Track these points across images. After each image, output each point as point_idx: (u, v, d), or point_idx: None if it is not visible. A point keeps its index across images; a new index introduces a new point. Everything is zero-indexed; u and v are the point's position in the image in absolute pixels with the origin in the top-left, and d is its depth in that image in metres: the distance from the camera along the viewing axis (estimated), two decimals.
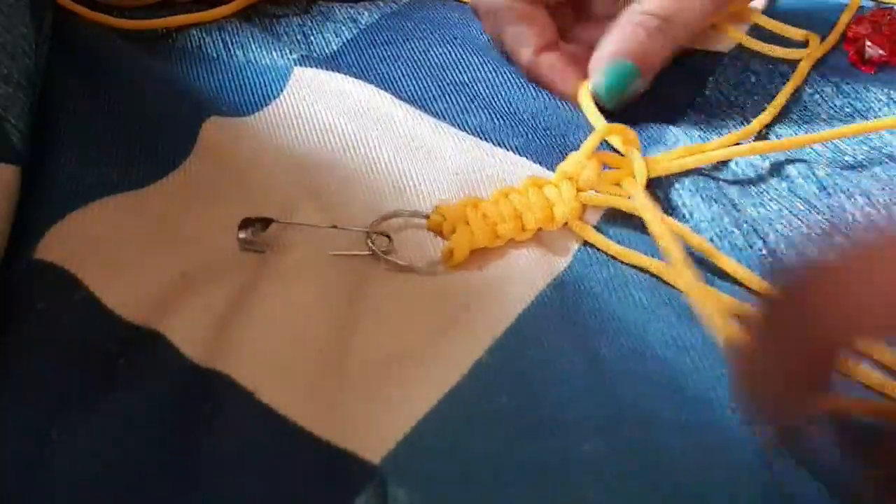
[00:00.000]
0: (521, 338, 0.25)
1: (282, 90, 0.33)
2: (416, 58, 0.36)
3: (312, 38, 0.37)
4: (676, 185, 0.31)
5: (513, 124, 0.33)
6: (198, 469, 0.21)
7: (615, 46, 0.32)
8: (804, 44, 0.39)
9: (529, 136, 0.33)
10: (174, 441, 0.22)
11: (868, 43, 0.38)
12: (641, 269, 0.27)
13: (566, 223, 0.28)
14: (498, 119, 0.33)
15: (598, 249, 0.28)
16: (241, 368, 0.23)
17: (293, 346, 0.24)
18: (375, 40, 0.37)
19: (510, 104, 0.34)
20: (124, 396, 0.23)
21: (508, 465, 0.22)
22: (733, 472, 0.22)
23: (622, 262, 0.28)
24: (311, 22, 0.38)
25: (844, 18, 0.40)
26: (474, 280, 0.27)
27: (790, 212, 0.30)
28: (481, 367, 0.24)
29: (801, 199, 0.31)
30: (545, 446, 0.22)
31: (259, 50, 0.36)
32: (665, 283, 0.27)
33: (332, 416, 0.22)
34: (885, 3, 0.42)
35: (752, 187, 0.31)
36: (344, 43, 0.37)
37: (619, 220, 0.29)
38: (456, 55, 0.37)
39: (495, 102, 0.34)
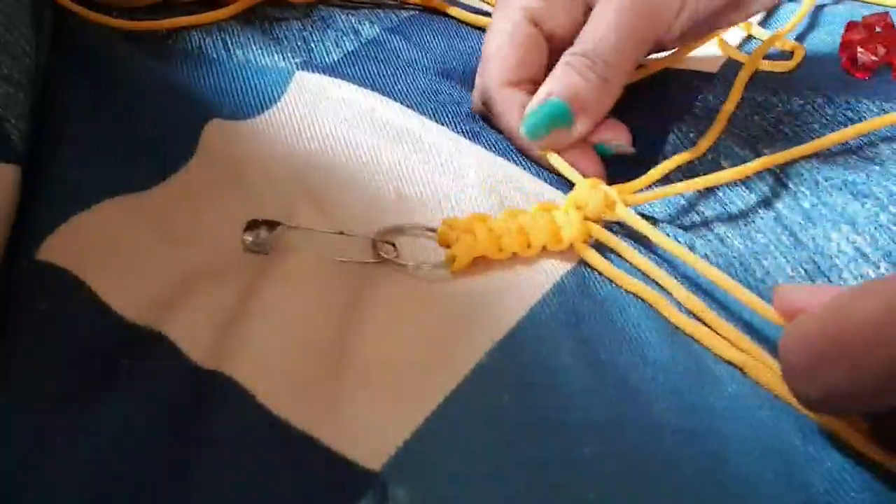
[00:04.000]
0: (521, 341, 0.25)
1: (283, 94, 0.33)
2: (419, 74, 0.36)
3: (313, 44, 0.37)
4: (661, 222, 0.31)
5: None
6: (199, 471, 0.21)
7: (546, 87, 0.32)
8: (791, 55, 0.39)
9: None
10: (175, 442, 0.22)
11: (860, 49, 0.38)
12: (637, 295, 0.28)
13: (571, 245, 0.28)
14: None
15: (599, 246, 0.28)
16: (243, 370, 0.23)
17: (295, 348, 0.24)
18: (377, 57, 0.37)
19: None
20: (126, 397, 0.23)
21: (509, 466, 0.22)
22: (732, 477, 0.22)
23: (619, 286, 0.28)
24: (312, 27, 0.38)
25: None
26: (476, 285, 0.27)
27: (775, 247, 0.30)
28: (482, 370, 0.24)
29: (787, 230, 0.31)
30: (546, 448, 0.22)
31: (260, 52, 0.36)
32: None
33: (333, 421, 0.22)
34: (878, 3, 0.43)
35: (740, 219, 0.31)
36: (345, 54, 0.37)
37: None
38: (460, 69, 0.37)
39: None
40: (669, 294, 0.28)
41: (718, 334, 0.26)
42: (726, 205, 0.32)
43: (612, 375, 0.24)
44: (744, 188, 0.32)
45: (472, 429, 0.23)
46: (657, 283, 0.28)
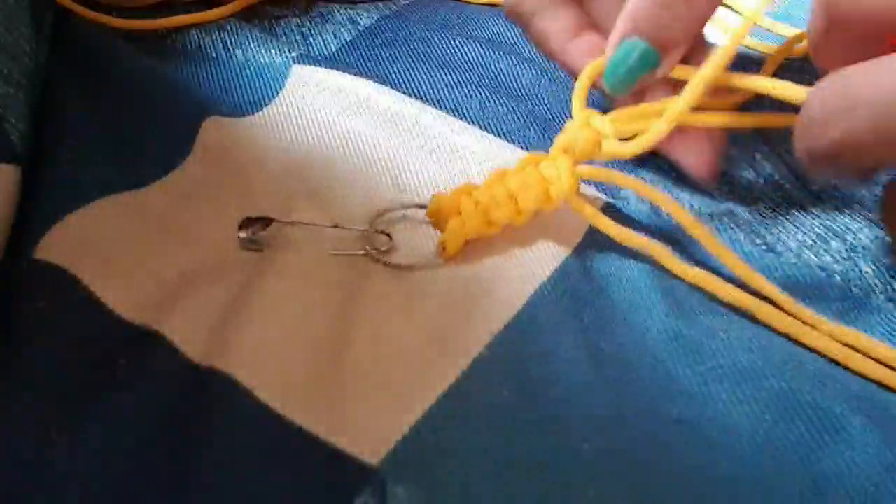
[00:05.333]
0: (521, 332, 0.25)
1: (281, 89, 0.33)
2: (415, 57, 0.36)
3: (311, 39, 0.37)
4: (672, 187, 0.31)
5: (522, 117, 0.33)
6: (198, 469, 0.21)
7: (622, 25, 0.27)
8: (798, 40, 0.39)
9: (541, 130, 0.32)
10: (174, 441, 0.22)
11: None
12: (641, 255, 0.27)
13: (565, 201, 0.27)
14: (506, 112, 0.33)
15: (599, 232, 0.28)
16: (241, 367, 0.23)
17: (293, 344, 0.24)
18: (374, 42, 0.37)
19: (520, 96, 0.34)
20: (124, 396, 0.23)
21: (508, 461, 0.22)
22: (734, 468, 0.22)
23: (622, 244, 0.27)
24: (311, 23, 0.38)
25: None
26: (474, 275, 0.27)
27: (784, 217, 0.30)
28: (481, 363, 0.24)
29: (796, 205, 0.31)
30: (546, 443, 0.22)
31: (258, 50, 0.36)
32: (663, 270, 0.27)
33: (332, 416, 0.22)
34: None
35: (748, 197, 0.31)
36: (343, 44, 0.37)
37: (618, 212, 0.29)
38: (457, 51, 0.37)
39: (503, 95, 0.34)
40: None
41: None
42: (733, 185, 0.32)
43: (613, 367, 0.24)
44: (751, 171, 0.32)
45: (472, 424, 0.22)
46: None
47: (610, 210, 0.29)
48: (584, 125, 0.27)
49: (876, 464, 0.22)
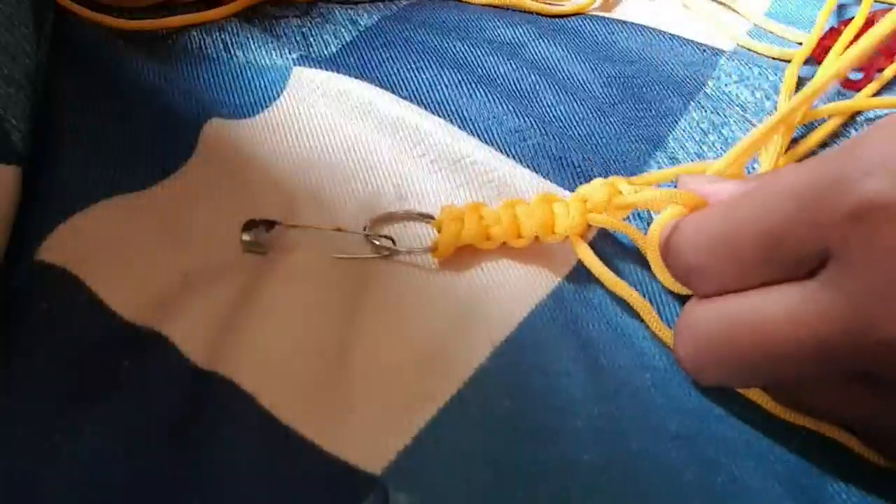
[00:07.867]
0: (522, 345, 0.25)
1: (282, 91, 0.33)
2: (416, 58, 0.36)
3: (311, 39, 0.37)
4: None
5: (522, 118, 0.33)
6: (199, 474, 0.21)
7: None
8: (799, 45, 0.39)
9: (541, 132, 0.32)
10: (176, 444, 0.22)
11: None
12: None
13: (566, 238, 0.27)
14: (506, 113, 0.33)
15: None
16: (243, 371, 0.23)
17: (295, 349, 0.24)
18: (375, 43, 0.37)
19: (520, 98, 0.34)
20: (126, 398, 0.23)
21: (509, 472, 0.22)
22: (731, 486, 0.22)
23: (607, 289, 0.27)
24: (311, 23, 0.38)
25: (821, 21, 0.39)
26: (476, 286, 0.27)
27: None
28: (483, 374, 0.24)
29: None
30: (546, 454, 0.22)
31: (259, 51, 0.36)
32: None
33: (334, 425, 0.22)
34: (883, 3, 0.43)
35: None
36: (343, 45, 0.37)
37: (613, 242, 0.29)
38: (457, 52, 0.36)
39: (503, 96, 0.34)
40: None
41: None
42: None
43: (612, 381, 0.24)
44: None
45: (473, 434, 0.23)
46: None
47: (604, 239, 0.29)
48: (607, 183, 0.28)
49: (869, 489, 0.23)
